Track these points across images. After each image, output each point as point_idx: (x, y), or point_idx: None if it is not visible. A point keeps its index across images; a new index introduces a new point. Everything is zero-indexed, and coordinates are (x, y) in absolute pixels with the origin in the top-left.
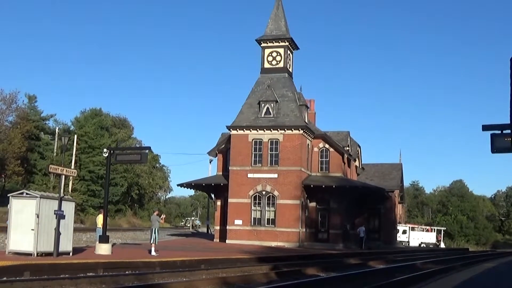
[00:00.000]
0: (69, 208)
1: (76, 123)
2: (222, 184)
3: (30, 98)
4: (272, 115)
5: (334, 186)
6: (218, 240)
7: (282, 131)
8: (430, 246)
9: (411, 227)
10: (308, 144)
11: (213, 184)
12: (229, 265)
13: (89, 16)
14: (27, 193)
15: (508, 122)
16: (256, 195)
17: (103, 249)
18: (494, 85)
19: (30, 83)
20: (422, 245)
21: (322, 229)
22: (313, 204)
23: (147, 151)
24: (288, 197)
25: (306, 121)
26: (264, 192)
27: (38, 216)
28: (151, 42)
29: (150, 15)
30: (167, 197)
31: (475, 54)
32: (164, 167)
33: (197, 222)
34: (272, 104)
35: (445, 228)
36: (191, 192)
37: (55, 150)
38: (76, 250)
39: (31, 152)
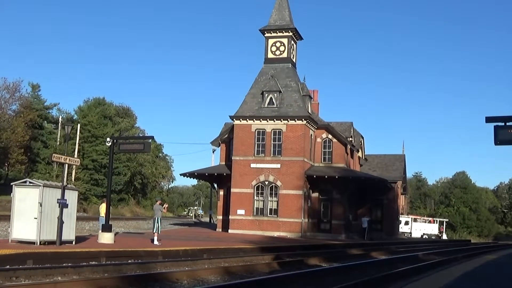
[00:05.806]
0: (72, 197)
1: (80, 112)
2: (225, 174)
3: (33, 87)
4: (275, 105)
5: (337, 177)
6: (220, 230)
7: (285, 121)
8: (432, 237)
9: (414, 218)
10: (311, 135)
11: (216, 174)
12: (231, 254)
13: (93, 4)
14: (30, 182)
15: None
16: (258, 185)
17: (106, 238)
18: (498, 77)
19: (34, 72)
20: (424, 237)
21: (325, 220)
22: (315, 194)
23: (150, 140)
24: (290, 187)
25: (309, 111)
26: (266, 182)
27: (41, 205)
28: (154, 31)
29: (153, 3)
30: (170, 186)
31: (479, 46)
32: (167, 157)
33: (200, 211)
34: (275, 94)
35: (447, 220)
36: (194, 181)
37: (58, 139)
38: (79, 239)
39: (34, 141)
